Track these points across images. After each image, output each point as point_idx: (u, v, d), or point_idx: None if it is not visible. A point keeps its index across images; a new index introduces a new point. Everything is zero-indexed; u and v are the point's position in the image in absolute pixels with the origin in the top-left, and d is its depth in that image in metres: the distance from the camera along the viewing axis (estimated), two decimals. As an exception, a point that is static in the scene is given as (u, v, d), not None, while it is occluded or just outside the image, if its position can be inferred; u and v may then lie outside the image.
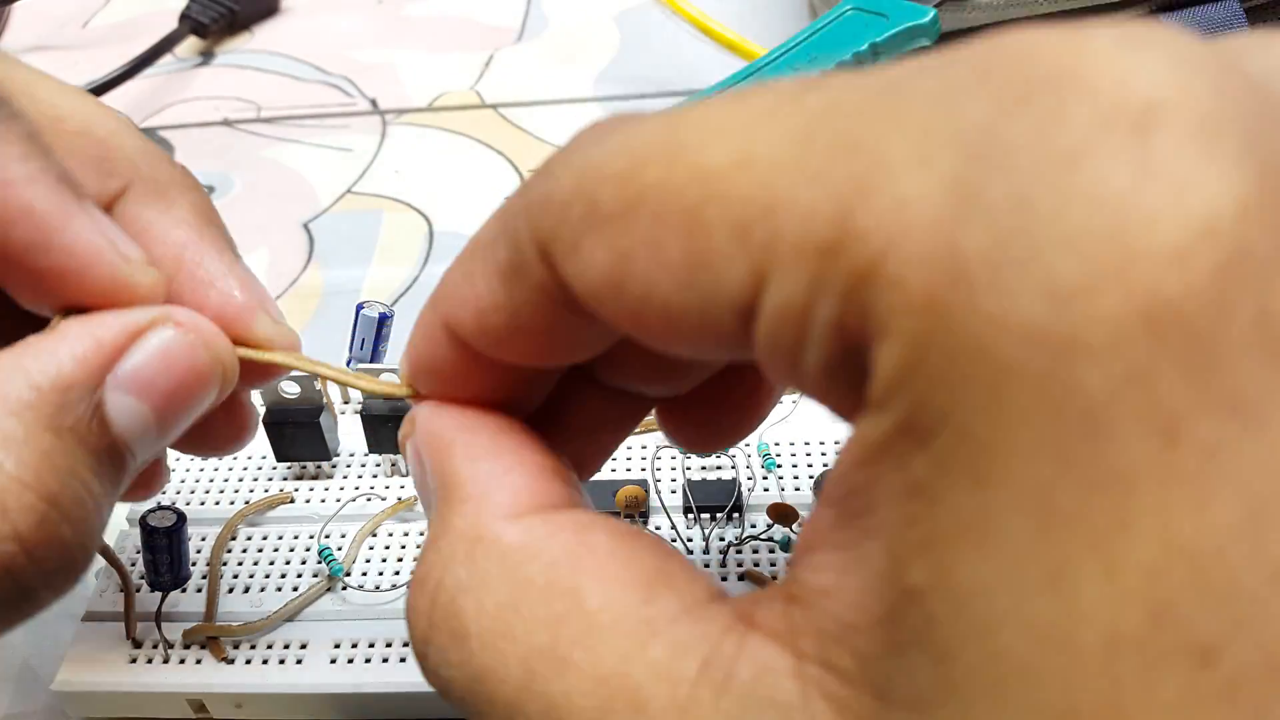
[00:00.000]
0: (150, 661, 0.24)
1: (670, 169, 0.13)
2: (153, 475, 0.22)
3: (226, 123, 0.48)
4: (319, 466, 0.28)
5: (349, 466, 0.28)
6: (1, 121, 0.18)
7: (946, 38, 0.38)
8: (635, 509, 0.26)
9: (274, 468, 0.29)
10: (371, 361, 0.28)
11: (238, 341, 0.20)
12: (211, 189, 0.44)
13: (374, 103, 0.48)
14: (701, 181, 0.12)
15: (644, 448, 0.29)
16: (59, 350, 0.17)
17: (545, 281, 0.15)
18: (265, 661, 0.24)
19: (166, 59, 0.52)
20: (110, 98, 0.48)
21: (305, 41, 0.53)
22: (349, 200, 0.43)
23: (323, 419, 0.27)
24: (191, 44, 0.53)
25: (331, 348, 0.36)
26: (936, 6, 0.38)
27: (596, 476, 0.28)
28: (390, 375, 0.27)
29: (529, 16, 0.54)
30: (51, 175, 0.18)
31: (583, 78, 0.49)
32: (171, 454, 0.29)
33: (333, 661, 0.24)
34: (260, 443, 0.28)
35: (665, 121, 0.13)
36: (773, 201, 0.12)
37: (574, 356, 0.16)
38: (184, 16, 0.53)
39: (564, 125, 0.46)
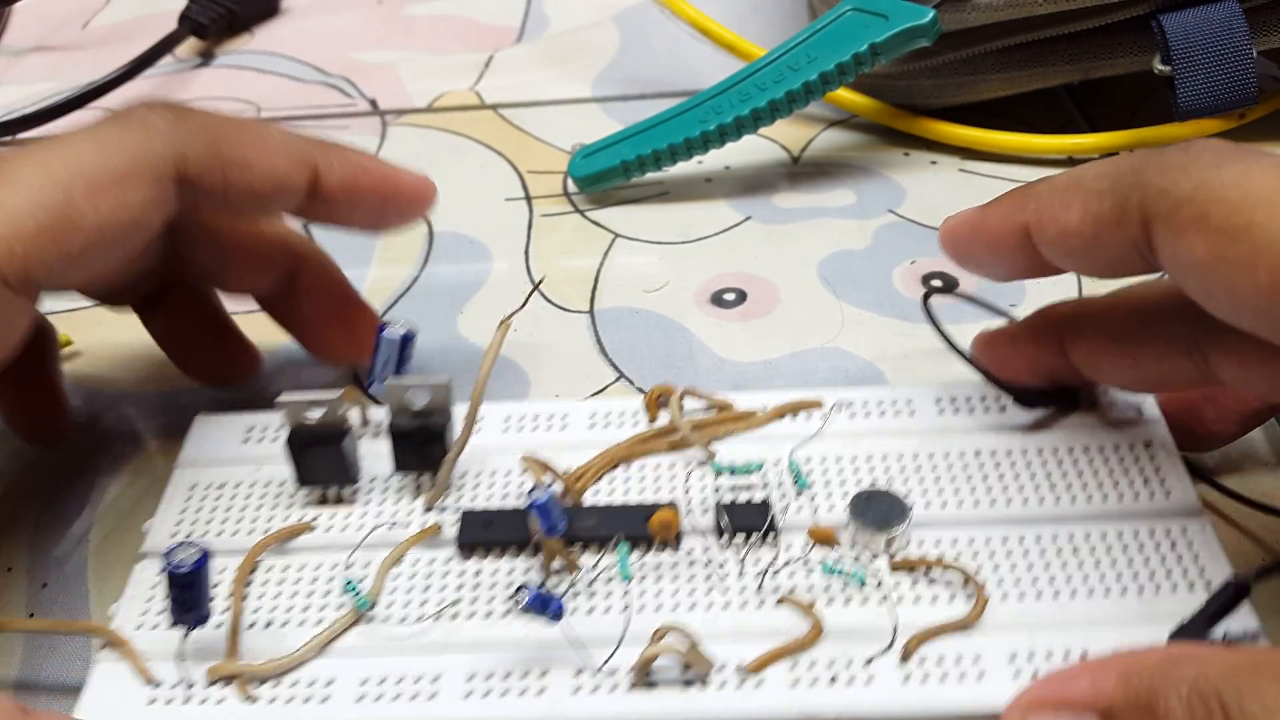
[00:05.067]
0: (170, 703, 0.23)
1: (1272, 218, 0.19)
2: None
3: (226, 123, 0.48)
4: (341, 491, 0.27)
5: (371, 490, 0.27)
6: None
7: (946, 37, 0.38)
8: (668, 533, 0.25)
9: (293, 494, 0.27)
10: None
11: None
12: (212, 189, 0.44)
13: (374, 103, 0.48)
14: None
15: (672, 466, 0.28)
16: None
17: (1137, 240, 0.22)
18: (290, 700, 0.23)
19: (166, 60, 0.52)
20: (110, 98, 0.48)
21: (305, 42, 0.53)
22: (349, 201, 0.43)
23: (345, 442, 0.27)
24: (191, 45, 0.53)
25: (332, 348, 0.36)
26: (936, 7, 0.38)
27: (626, 500, 0.27)
28: (418, 390, 0.26)
29: (529, 17, 0.54)
30: None
31: (582, 78, 0.49)
32: (186, 481, 0.28)
33: (359, 699, 0.23)
34: (280, 467, 0.27)
35: (1274, 175, 0.20)
36: None
37: (1110, 274, 0.24)
38: (184, 17, 0.53)
39: (564, 125, 0.46)
